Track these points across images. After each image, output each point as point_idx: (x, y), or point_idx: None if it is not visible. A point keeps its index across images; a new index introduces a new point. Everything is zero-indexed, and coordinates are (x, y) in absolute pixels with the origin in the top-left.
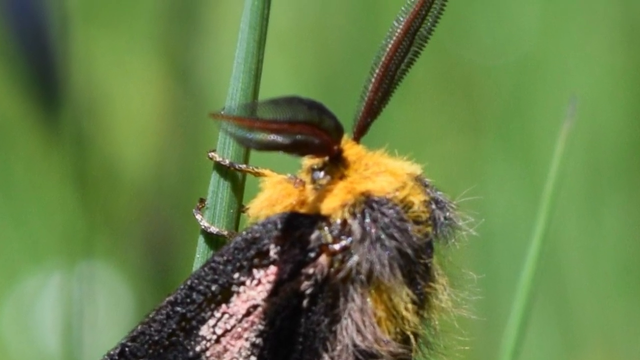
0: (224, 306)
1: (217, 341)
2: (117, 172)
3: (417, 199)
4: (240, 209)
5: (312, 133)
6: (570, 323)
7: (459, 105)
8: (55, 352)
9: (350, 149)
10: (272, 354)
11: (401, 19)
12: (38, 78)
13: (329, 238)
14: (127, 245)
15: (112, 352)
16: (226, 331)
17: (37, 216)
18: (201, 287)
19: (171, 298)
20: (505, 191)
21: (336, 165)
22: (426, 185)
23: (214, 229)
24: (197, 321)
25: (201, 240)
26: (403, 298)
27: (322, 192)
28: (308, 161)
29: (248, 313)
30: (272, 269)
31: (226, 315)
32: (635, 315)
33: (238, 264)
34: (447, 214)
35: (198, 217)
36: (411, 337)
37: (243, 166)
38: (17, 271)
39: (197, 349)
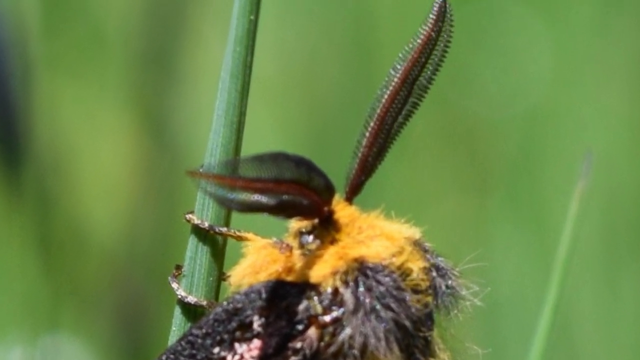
0: None
1: None
2: (85, 236)
3: (416, 266)
4: (221, 277)
5: (300, 193)
6: None
7: (462, 162)
8: None
9: (342, 210)
10: None
11: (398, 66)
12: None
13: (319, 309)
14: (96, 316)
15: None
16: None
17: None
18: None
19: None
20: (513, 257)
21: (327, 228)
22: (426, 251)
23: (191, 299)
24: None
25: (177, 311)
26: None
27: (311, 258)
28: (295, 224)
29: None
30: (256, 342)
31: None
32: None
33: (218, 338)
34: (449, 282)
35: (174, 285)
36: None
37: (224, 229)
38: None
39: None
